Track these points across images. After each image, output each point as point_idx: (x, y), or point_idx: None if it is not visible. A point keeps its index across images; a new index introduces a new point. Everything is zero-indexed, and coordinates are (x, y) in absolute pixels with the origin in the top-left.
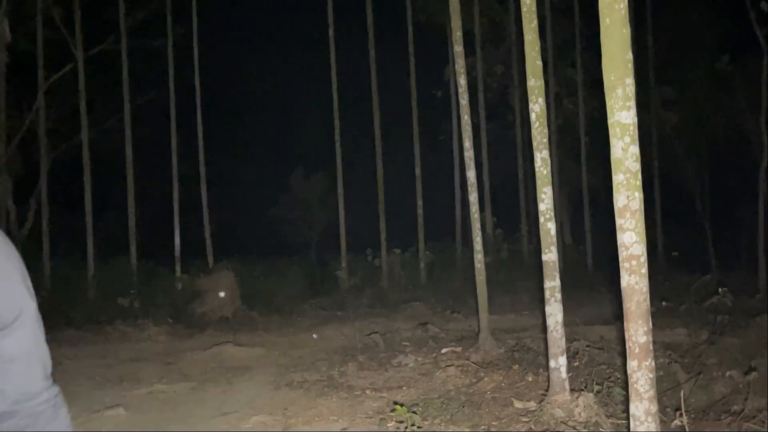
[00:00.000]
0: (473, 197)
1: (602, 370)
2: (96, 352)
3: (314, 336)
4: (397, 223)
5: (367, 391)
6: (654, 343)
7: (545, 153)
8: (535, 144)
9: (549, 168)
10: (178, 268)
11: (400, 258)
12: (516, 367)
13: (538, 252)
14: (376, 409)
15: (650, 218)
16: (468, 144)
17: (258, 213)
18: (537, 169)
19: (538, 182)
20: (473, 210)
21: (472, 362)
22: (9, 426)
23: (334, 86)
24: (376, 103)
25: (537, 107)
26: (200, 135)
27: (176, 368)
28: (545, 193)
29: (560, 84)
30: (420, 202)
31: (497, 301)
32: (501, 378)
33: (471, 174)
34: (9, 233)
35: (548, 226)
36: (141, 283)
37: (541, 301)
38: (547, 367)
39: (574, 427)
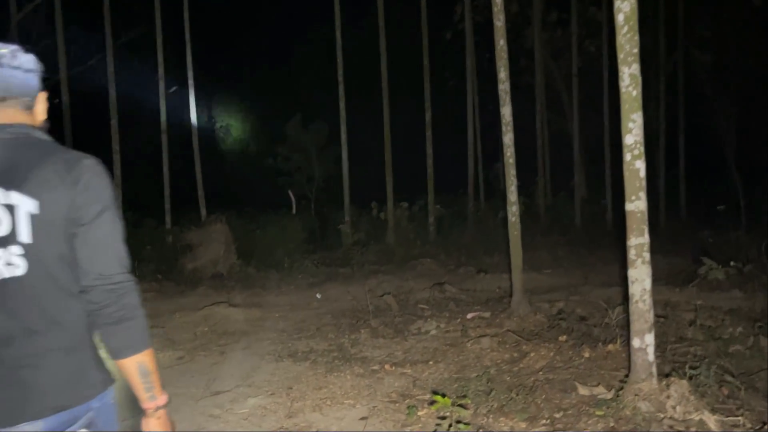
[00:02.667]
0: (508, 138)
1: (681, 349)
2: None
3: (317, 296)
4: (403, 175)
5: (387, 366)
6: (713, 308)
7: (635, 68)
8: (622, 56)
9: (639, 87)
10: (168, 220)
11: (407, 212)
12: (564, 339)
13: (554, 207)
14: (399, 389)
15: (675, 169)
16: (504, 75)
17: (252, 163)
18: (623, 91)
19: (625, 107)
20: (507, 154)
21: (510, 331)
22: (90, 297)
23: (338, 26)
24: (383, 44)
25: (627, 6)
26: (190, 77)
27: (162, 333)
28: (634, 121)
29: (581, 25)
30: (430, 151)
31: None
32: (550, 353)
33: (506, 111)
34: None
35: (636, 166)
36: (127, 236)
37: (560, 260)
38: (603, 340)
39: (671, 427)
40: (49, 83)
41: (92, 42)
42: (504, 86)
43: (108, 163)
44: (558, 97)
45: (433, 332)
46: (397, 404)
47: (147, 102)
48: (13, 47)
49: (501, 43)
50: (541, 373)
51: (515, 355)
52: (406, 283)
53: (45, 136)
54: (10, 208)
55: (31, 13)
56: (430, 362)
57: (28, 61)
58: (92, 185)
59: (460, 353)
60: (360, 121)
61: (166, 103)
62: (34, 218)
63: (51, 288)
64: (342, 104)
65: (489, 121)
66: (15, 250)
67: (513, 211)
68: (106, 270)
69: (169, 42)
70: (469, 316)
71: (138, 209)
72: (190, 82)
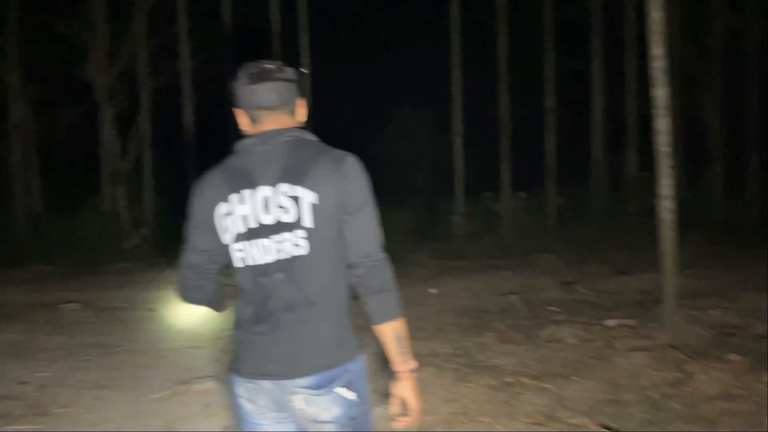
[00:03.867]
0: (664, 123)
1: None
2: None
3: (433, 291)
4: (518, 163)
5: (523, 379)
6: None
7: None
8: None
9: None
10: None
11: (524, 202)
12: (737, 359)
13: (690, 199)
14: (543, 409)
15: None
16: (658, 51)
17: (358, 150)
18: None
19: None
20: (662, 141)
21: (670, 346)
22: (355, 272)
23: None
24: (503, 24)
25: None
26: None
27: None
28: None
29: None
30: (551, 138)
31: (645, 255)
32: (724, 376)
33: (661, 92)
34: (110, 165)
35: None
36: None
37: (701, 259)
38: None
39: None
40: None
41: (213, 32)
42: (659, 64)
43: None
44: (691, 79)
45: (571, 340)
46: (543, 426)
47: None
48: (278, 62)
49: (655, 15)
50: (717, 401)
51: (679, 376)
52: (529, 280)
53: (313, 137)
54: (296, 200)
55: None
56: (574, 377)
57: (291, 72)
58: (357, 179)
59: (608, 369)
60: (472, 105)
61: None
62: (314, 207)
63: (326, 265)
64: (457, 89)
65: (609, 105)
66: (300, 233)
67: (667, 206)
68: (369, 250)
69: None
70: (610, 323)
71: None
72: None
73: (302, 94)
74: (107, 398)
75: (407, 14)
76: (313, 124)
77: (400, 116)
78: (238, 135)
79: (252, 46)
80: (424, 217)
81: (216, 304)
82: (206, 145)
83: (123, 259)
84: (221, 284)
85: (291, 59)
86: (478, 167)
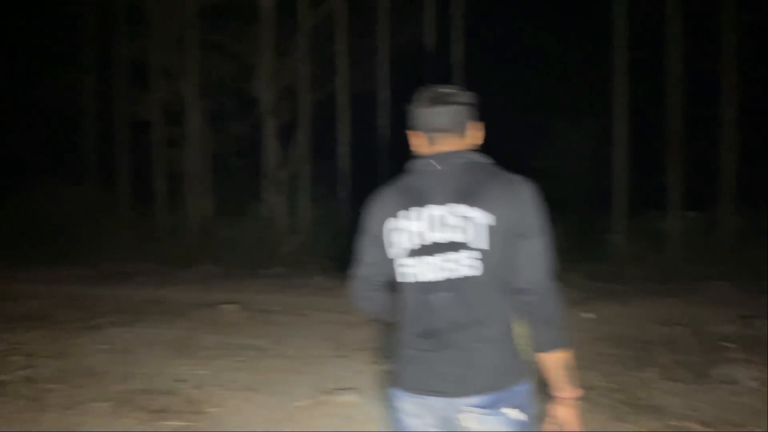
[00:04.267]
0: None
1: None
2: (340, 304)
3: (588, 316)
4: (689, 179)
5: (691, 424)
6: None
7: None
8: None
9: None
10: None
11: (694, 222)
12: None
13: None
14: None
15: None
16: None
17: (515, 164)
18: None
19: None
20: None
21: None
22: (522, 298)
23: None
24: (675, 29)
25: None
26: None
27: None
28: None
29: None
30: (729, 153)
31: None
32: None
33: None
34: (271, 175)
35: None
36: None
37: None
38: None
39: None
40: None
41: (368, 44)
42: None
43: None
44: None
45: (748, 383)
46: None
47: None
48: (455, 87)
49: None
50: None
51: None
52: (698, 310)
53: (487, 160)
54: (470, 220)
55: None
56: (753, 428)
57: (467, 97)
58: (532, 204)
59: None
60: (632, 119)
61: None
62: (490, 229)
63: (495, 287)
64: (622, 99)
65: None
66: (474, 254)
67: None
68: (538, 277)
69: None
70: None
71: None
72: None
73: (476, 117)
74: (255, 401)
75: (564, 24)
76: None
77: (556, 129)
78: (396, 148)
79: (407, 60)
80: (580, 235)
81: (385, 314)
82: (360, 157)
83: (279, 263)
84: (391, 295)
85: (445, 72)
86: (641, 183)
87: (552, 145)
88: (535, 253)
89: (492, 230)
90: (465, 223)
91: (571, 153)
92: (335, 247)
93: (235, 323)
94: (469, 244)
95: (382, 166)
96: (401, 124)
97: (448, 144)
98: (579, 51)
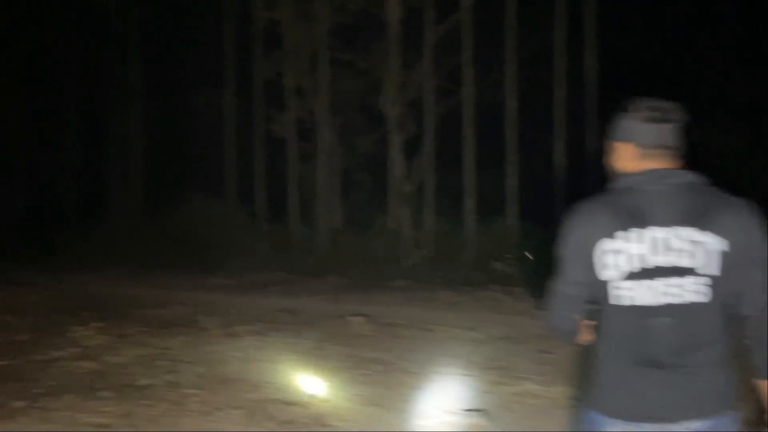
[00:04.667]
0: None
1: None
2: (467, 320)
3: None
4: None
5: None
6: None
7: None
8: None
9: None
10: None
11: None
12: None
13: None
14: None
15: None
16: None
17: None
18: None
19: None
20: None
21: None
22: (749, 324)
23: None
24: None
25: None
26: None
27: (554, 359)
28: None
29: None
30: None
31: None
32: None
33: None
34: (397, 188)
35: None
36: (520, 247)
37: None
38: None
39: None
40: (453, 99)
41: (494, 55)
42: None
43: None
44: None
45: None
46: None
47: (541, 113)
48: (672, 103)
49: None
50: None
51: None
52: None
53: (707, 181)
54: (701, 245)
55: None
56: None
57: (683, 114)
58: (761, 230)
59: None
60: None
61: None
62: (723, 255)
63: (718, 312)
64: None
65: None
66: (703, 280)
67: None
68: (765, 304)
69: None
70: None
71: (530, 218)
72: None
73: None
74: (380, 418)
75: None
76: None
77: (700, 135)
78: (523, 160)
79: (534, 70)
80: None
81: (571, 336)
82: (485, 169)
83: (404, 276)
84: (581, 317)
85: (576, 80)
86: None
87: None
88: (763, 279)
89: (724, 256)
90: (693, 247)
91: (720, 159)
92: (461, 261)
93: (361, 335)
94: (697, 270)
95: (511, 178)
96: (529, 135)
97: (663, 162)
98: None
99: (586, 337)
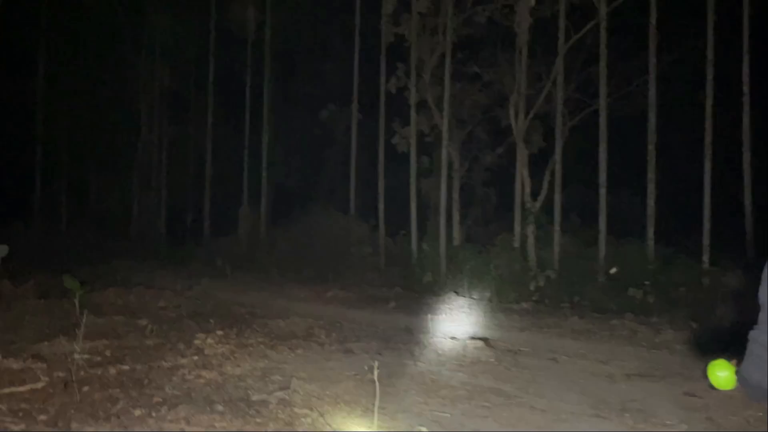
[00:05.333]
0: None
1: None
2: (598, 351)
3: None
4: None
5: None
6: None
7: None
8: None
9: None
10: (705, 258)
11: None
12: None
13: None
14: None
15: None
16: None
17: None
18: None
19: None
20: None
21: None
22: None
23: None
24: None
25: None
26: (746, 92)
27: (701, 405)
28: None
29: None
30: None
31: None
32: None
33: None
34: (522, 205)
35: None
36: (658, 272)
37: None
38: None
39: None
40: (587, 112)
41: (632, 67)
42: None
43: (641, 197)
44: None
45: None
46: None
47: (689, 122)
48: None
49: None
50: None
51: None
52: None
53: None
54: None
55: (576, 45)
56: None
57: None
58: None
59: None
60: None
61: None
62: None
63: None
64: None
65: None
66: None
67: None
68: None
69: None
70: None
71: (671, 242)
72: (745, 98)
73: None
74: None
75: None
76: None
77: None
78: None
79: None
80: None
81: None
82: (618, 186)
83: (528, 299)
84: None
85: (725, 90)
86: None
87: None
88: None
89: None
90: None
91: None
92: (591, 285)
93: (480, 361)
94: None
95: (650, 197)
96: (668, 150)
97: None
98: None
99: None
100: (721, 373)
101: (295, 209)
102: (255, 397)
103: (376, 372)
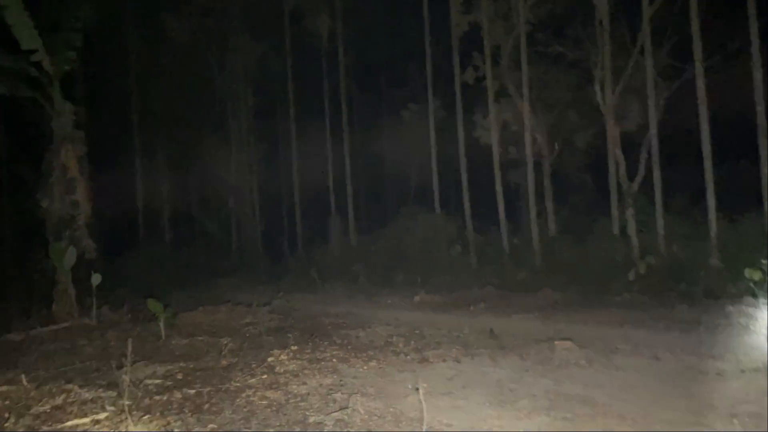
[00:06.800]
0: None
1: None
2: (708, 344)
3: None
4: None
5: None
6: None
7: None
8: None
9: None
10: None
11: None
12: None
13: None
14: None
15: None
16: None
17: None
18: None
19: None
20: None
21: None
22: None
23: None
24: None
25: None
26: None
27: None
28: None
29: None
30: None
31: None
32: None
33: None
34: (618, 187)
35: None
36: None
37: None
38: None
39: None
40: (684, 76)
41: (731, 22)
42: None
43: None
44: None
45: None
46: None
47: None
48: None
49: None
50: None
51: None
52: None
53: None
54: None
55: (664, 5)
56: None
57: None
58: None
59: None
60: None
61: None
62: None
63: None
64: None
65: None
66: None
67: None
68: None
69: None
70: None
71: None
72: None
73: None
74: None
75: None
76: None
77: None
78: None
79: None
80: None
81: None
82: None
83: (629, 289)
84: None
85: None
86: None
87: None
88: None
89: None
90: None
91: None
92: (702, 269)
93: (568, 364)
94: None
95: (765, 166)
96: None
97: None
98: None
99: None
100: None
101: (390, 215)
102: (311, 419)
103: (421, 392)
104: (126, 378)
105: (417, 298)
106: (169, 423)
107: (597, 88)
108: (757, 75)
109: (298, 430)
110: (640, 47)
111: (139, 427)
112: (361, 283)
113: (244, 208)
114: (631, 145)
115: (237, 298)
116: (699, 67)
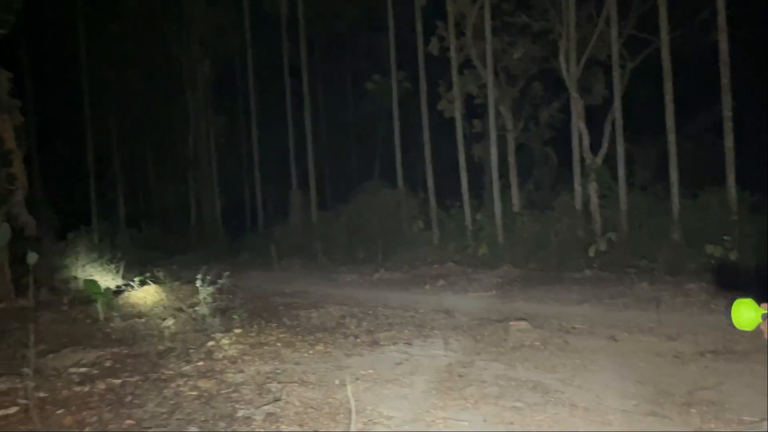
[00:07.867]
0: None
1: None
2: (667, 324)
3: None
4: None
5: None
6: None
7: None
8: None
9: None
10: None
11: None
12: None
13: None
14: None
15: None
16: None
17: None
18: None
19: None
20: None
21: None
22: None
23: None
24: None
25: None
26: None
27: None
28: None
29: None
30: None
31: None
32: None
33: None
34: (581, 160)
35: None
36: (743, 224)
37: None
38: None
39: None
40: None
41: None
42: None
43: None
44: None
45: None
46: None
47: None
48: None
49: None
50: None
51: None
52: None
53: None
54: None
55: None
56: None
57: None
58: None
59: None
60: None
61: None
62: None
63: None
64: None
65: None
66: None
67: None
68: None
69: None
70: None
71: (756, 188)
72: None
73: None
74: None
75: None
76: None
77: None
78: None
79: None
80: None
81: None
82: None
83: (590, 265)
84: None
85: None
86: None
87: None
88: None
89: None
90: None
91: None
92: (664, 245)
93: (523, 346)
94: None
95: (728, 139)
96: (746, 84)
97: None
98: None
99: None
100: (747, 313)
101: (354, 191)
102: (240, 413)
103: (349, 389)
104: (57, 364)
105: (376, 276)
106: (82, 420)
107: (561, 58)
108: (724, 46)
109: (222, 425)
110: (606, 17)
111: (49, 425)
112: (320, 261)
113: (203, 182)
114: (595, 118)
115: (188, 277)
116: (665, 38)
